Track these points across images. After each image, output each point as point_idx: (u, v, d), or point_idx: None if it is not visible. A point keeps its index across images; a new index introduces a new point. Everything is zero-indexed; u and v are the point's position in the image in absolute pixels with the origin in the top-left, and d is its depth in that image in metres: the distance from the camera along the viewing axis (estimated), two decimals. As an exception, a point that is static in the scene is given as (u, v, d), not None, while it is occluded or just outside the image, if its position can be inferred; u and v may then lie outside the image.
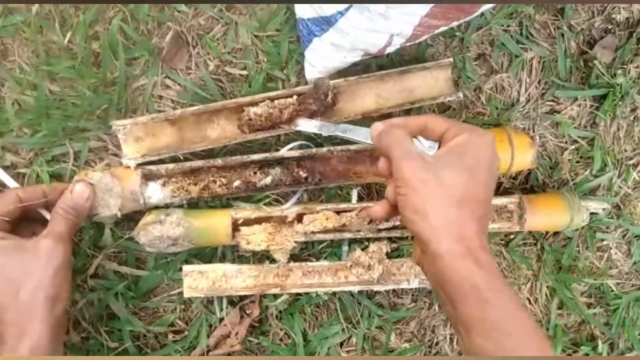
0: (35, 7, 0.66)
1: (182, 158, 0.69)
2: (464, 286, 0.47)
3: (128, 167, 0.66)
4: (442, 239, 0.47)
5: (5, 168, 0.67)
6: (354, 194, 0.75)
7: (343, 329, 0.77)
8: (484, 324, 0.46)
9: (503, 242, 0.81)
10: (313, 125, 0.67)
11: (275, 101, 0.68)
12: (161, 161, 0.68)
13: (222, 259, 0.74)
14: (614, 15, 0.80)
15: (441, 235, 0.47)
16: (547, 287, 0.82)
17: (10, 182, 0.65)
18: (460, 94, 0.72)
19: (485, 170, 0.50)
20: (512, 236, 0.80)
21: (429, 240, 0.48)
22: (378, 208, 0.55)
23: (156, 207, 0.69)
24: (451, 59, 0.72)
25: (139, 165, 0.66)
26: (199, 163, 0.68)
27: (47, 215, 0.63)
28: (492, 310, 0.46)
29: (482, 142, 0.51)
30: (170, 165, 0.67)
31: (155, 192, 0.68)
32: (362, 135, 0.60)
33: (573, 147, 0.81)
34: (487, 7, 0.65)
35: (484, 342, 0.46)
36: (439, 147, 0.54)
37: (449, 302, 0.48)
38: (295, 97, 0.68)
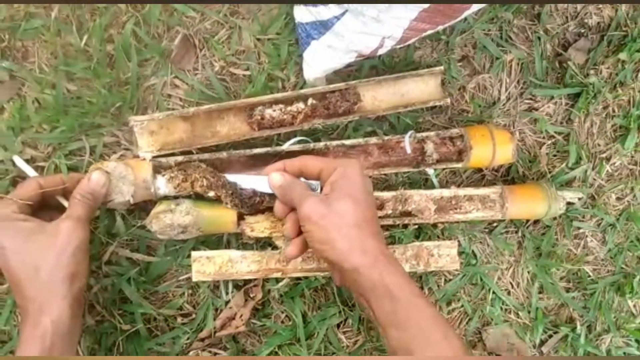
0: (54, 12, 0.71)
1: (194, 152, 0.74)
2: (377, 290, 0.56)
3: (143, 159, 0.71)
4: (352, 257, 0.56)
5: (25, 161, 0.71)
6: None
7: (340, 311, 0.81)
8: (396, 317, 0.55)
9: (486, 229, 0.86)
10: None
11: (289, 107, 0.74)
12: (173, 154, 0.72)
13: (228, 246, 0.79)
14: (586, 20, 0.86)
15: (350, 254, 0.56)
16: (528, 272, 0.88)
17: (31, 172, 0.70)
18: (448, 100, 0.78)
19: (362, 193, 0.60)
20: (494, 224, 0.86)
21: (342, 261, 0.57)
22: (293, 249, 0.63)
23: (166, 198, 0.74)
24: (442, 67, 0.78)
25: (153, 157, 0.71)
26: (205, 156, 0.73)
27: (65, 203, 0.67)
28: (400, 304, 0.55)
29: (351, 171, 0.60)
30: (179, 158, 0.72)
31: (162, 186, 0.72)
32: (257, 184, 0.69)
33: (550, 142, 0.87)
34: (472, 10, 0.70)
35: (398, 333, 0.55)
36: (321, 185, 0.63)
37: (370, 308, 0.56)
38: (309, 101, 0.75)
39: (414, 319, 0.55)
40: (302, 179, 0.65)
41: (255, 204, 0.71)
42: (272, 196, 0.68)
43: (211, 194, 0.70)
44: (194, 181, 0.70)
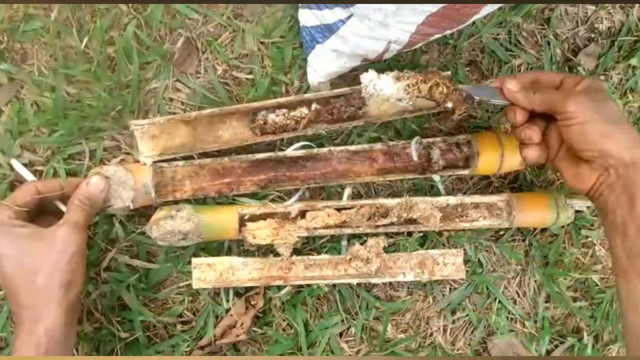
0: (53, 13, 0.70)
1: (195, 157, 0.73)
2: None
3: (143, 164, 0.70)
4: (635, 150, 0.56)
5: (23, 165, 0.70)
6: (346, 192, 0.78)
7: (342, 320, 0.80)
8: None
9: (493, 237, 0.84)
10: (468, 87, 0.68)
11: (292, 112, 0.72)
12: (174, 159, 0.72)
13: (229, 253, 0.77)
14: (596, 25, 0.85)
15: (633, 148, 0.56)
16: (535, 281, 0.86)
17: (29, 176, 0.69)
18: None
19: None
20: (501, 232, 0.84)
21: (622, 153, 0.56)
22: (536, 152, 0.64)
23: (165, 203, 0.73)
24: (449, 72, 0.75)
25: (154, 162, 0.70)
26: (206, 161, 0.72)
27: (63, 208, 0.66)
28: None
29: (599, 84, 0.62)
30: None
31: (387, 85, 0.67)
32: (488, 94, 0.66)
33: (559, 148, 0.85)
34: (480, 15, 0.69)
35: None
36: None
37: (629, 203, 0.56)
38: (313, 106, 0.73)
39: None
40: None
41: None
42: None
43: (449, 104, 0.66)
44: (434, 85, 0.66)
